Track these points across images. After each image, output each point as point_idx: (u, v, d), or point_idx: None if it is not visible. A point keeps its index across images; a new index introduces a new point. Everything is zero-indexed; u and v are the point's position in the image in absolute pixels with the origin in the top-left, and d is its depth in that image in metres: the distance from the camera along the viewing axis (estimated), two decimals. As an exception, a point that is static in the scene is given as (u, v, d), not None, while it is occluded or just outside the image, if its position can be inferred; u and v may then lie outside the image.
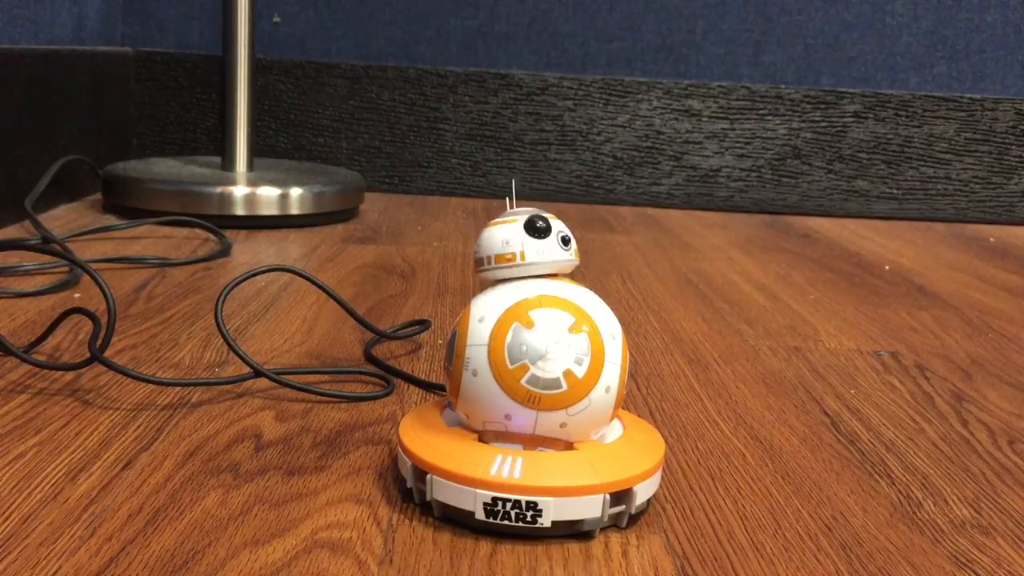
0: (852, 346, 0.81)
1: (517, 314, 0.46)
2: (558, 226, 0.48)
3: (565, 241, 0.48)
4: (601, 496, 0.45)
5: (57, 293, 0.81)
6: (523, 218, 0.47)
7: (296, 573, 0.41)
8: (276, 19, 1.46)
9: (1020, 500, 0.53)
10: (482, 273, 0.49)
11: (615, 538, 0.46)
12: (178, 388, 0.61)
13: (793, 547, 0.46)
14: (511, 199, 0.53)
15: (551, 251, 0.47)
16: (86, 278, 0.86)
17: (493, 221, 0.49)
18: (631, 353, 0.75)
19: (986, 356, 0.80)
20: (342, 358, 0.70)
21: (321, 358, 0.69)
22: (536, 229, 0.47)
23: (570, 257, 0.48)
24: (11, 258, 0.91)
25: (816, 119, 1.50)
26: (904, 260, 1.19)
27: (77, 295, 0.81)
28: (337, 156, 1.48)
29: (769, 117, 1.50)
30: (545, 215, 0.48)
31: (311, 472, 0.51)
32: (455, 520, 0.46)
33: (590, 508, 0.45)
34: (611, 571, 0.43)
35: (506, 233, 0.47)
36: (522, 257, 0.47)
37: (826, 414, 0.65)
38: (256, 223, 1.16)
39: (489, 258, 0.48)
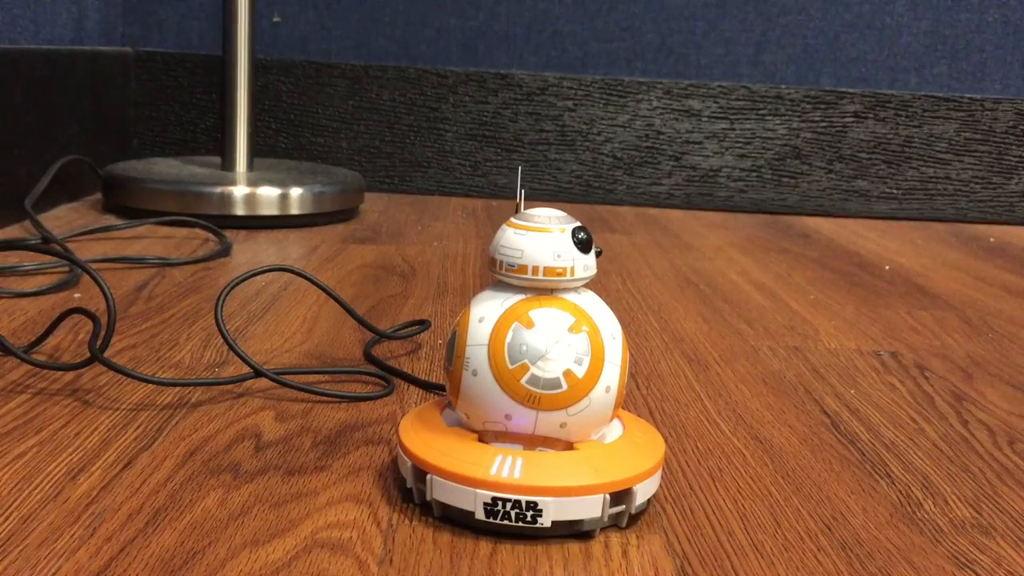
0: (852, 346, 0.81)
1: (517, 314, 0.46)
2: (591, 236, 0.47)
3: (598, 254, 0.47)
4: (601, 496, 0.45)
5: (57, 293, 0.81)
6: (569, 228, 0.46)
7: (296, 573, 0.41)
8: (276, 19, 1.46)
9: (1020, 500, 0.53)
10: (519, 281, 0.47)
11: (615, 538, 0.46)
12: (178, 388, 0.61)
13: (793, 547, 0.46)
14: (521, 193, 0.51)
15: (592, 265, 0.47)
16: (86, 278, 0.86)
17: (532, 224, 0.46)
18: (631, 353, 0.75)
19: (986, 356, 0.80)
20: (342, 358, 0.70)
21: (321, 358, 0.69)
22: (583, 243, 0.46)
23: (595, 269, 0.48)
24: (11, 258, 0.91)
25: (816, 119, 1.50)
26: (904, 260, 1.19)
27: (77, 295, 0.81)
28: (337, 156, 1.48)
29: (769, 117, 1.50)
30: (579, 223, 0.47)
31: (311, 472, 0.51)
32: (455, 520, 0.46)
33: (590, 508, 0.45)
34: (611, 571, 0.43)
35: (558, 245, 0.46)
36: (571, 272, 0.46)
37: (826, 414, 0.65)
38: (256, 223, 1.16)
39: (536, 268, 0.46)
